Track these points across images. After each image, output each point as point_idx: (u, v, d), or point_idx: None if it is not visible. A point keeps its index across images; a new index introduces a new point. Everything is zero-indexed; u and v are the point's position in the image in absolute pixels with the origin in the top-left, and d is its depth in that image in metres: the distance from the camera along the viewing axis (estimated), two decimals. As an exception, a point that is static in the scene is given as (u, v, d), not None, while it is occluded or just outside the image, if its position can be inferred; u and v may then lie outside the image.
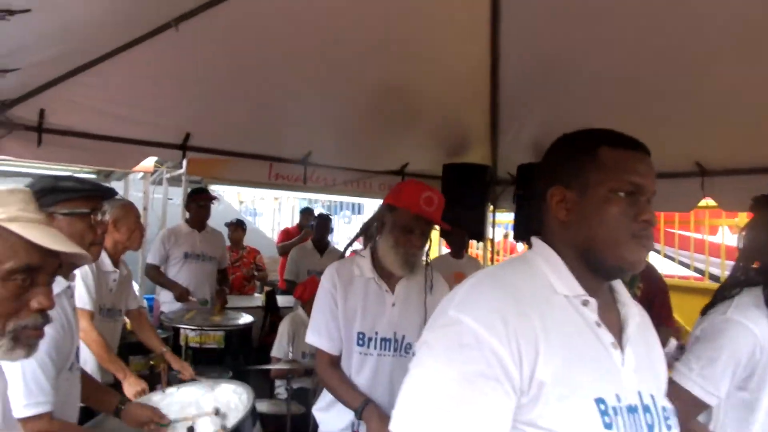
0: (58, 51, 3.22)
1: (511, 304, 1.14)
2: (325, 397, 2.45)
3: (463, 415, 1.04)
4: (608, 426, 1.11)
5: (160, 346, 3.35)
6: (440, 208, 2.27)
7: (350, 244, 2.68)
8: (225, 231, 5.41)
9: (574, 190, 1.23)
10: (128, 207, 3.22)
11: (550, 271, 1.23)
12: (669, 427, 1.21)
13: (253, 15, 3.31)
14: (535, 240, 1.30)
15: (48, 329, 1.73)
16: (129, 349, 3.43)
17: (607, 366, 1.18)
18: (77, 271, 2.82)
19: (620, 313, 1.29)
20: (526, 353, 1.09)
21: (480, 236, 5.63)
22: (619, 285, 1.33)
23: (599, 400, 1.12)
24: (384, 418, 2.12)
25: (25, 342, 1.13)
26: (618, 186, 1.20)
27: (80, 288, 2.86)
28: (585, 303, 1.20)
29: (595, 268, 1.23)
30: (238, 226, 6.87)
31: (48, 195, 1.86)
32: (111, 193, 2.08)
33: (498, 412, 1.07)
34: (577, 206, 1.23)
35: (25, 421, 1.69)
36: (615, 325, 1.25)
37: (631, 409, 1.16)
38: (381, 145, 5.11)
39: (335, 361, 2.36)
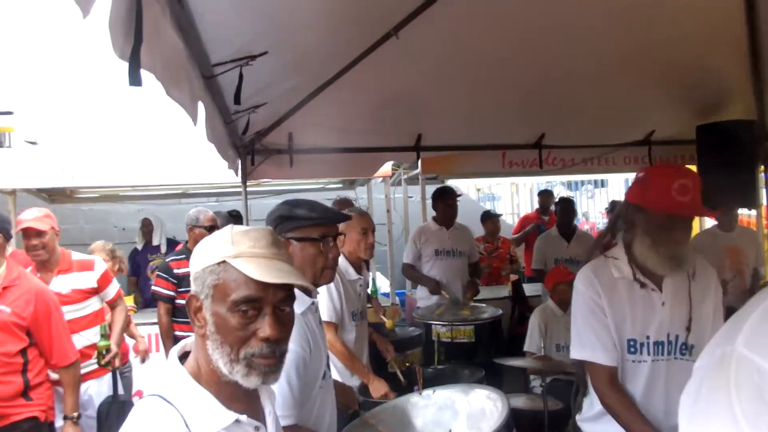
0: (296, 81, 3.52)
1: None
2: (594, 407, 2.24)
3: None
4: None
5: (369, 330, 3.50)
6: (698, 192, 1.94)
7: (597, 247, 2.39)
8: (469, 223, 5.44)
9: None
10: (354, 219, 3.28)
11: None
12: None
13: (469, 5, 3.24)
14: None
15: (294, 345, 1.90)
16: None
17: None
18: (323, 286, 3.04)
19: None
20: None
21: (752, 203, 4.91)
22: None
23: None
24: None
25: (258, 369, 1.22)
26: None
27: (326, 302, 3.06)
28: None
29: None
30: (494, 218, 6.93)
31: (284, 222, 2.01)
32: (341, 218, 2.16)
33: None
34: None
35: None
36: None
37: None
38: (622, 115, 4.71)
39: (615, 375, 2.12)
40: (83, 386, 3.53)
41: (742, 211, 5.66)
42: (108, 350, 3.62)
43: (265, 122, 4.13)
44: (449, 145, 4.86)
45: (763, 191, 4.85)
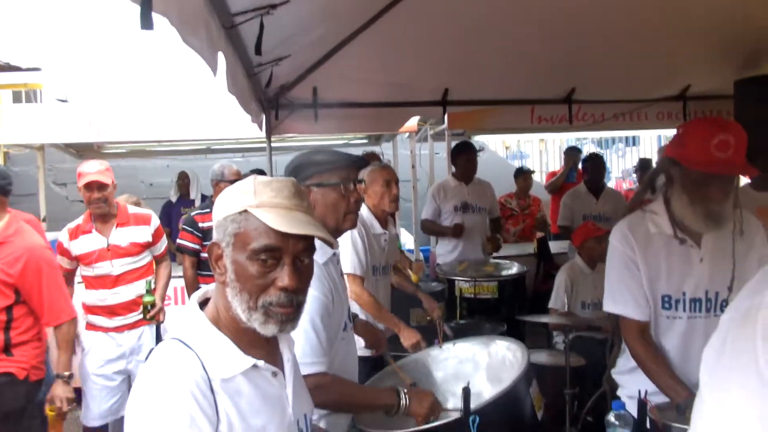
0: (320, 33, 3.45)
1: None
2: (629, 362, 2.23)
3: None
4: None
5: (413, 287, 3.50)
6: (741, 148, 1.85)
7: (636, 203, 2.34)
8: (498, 180, 5.39)
9: None
10: (377, 171, 3.27)
11: None
12: None
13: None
14: None
15: (318, 292, 1.91)
16: (409, 301, 3.61)
17: None
18: (347, 239, 3.03)
19: None
20: None
21: (792, 162, 4.75)
22: None
23: None
24: None
25: (275, 317, 1.24)
26: None
27: (351, 255, 3.05)
28: None
29: None
30: (526, 174, 6.87)
31: (303, 170, 2.00)
32: (361, 162, 2.14)
33: None
34: None
35: None
36: None
37: None
38: (654, 70, 4.55)
39: (646, 330, 2.12)
40: (135, 332, 3.67)
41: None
42: (153, 305, 3.68)
43: (289, 76, 4.08)
44: (476, 100, 4.78)
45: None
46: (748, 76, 4.47)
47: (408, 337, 2.93)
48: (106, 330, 3.63)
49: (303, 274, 1.27)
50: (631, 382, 2.20)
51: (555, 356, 3.52)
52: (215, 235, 1.29)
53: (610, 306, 2.18)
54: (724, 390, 0.88)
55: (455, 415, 1.94)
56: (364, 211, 3.29)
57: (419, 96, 4.68)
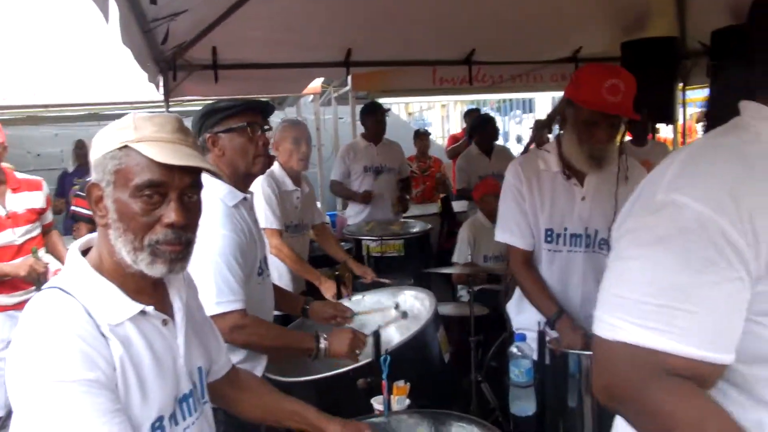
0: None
1: (740, 176, 0.92)
2: (517, 295, 2.44)
3: (691, 309, 0.89)
4: None
5: (344, 255, 3.51)
6: (630, 94, 1.99)
7: (532, 141, 2.55)
8: (400, 143, 5.45)
9: None
10: (286, 128, 3.25)
11: None
12: None
13: None
14: (747, 104, 1.04)
15: (229, 232, 1.90)
16: (314, 261, 3.62)
17: None
18: (260, 193, 3.01)
19: None
20: (764, 232, 0.88)
21: (669, 118, 5.10)
22: None
23: None
24: (578, 330, 2.05)
25: (163, 256, 1.19)
26: None
27: (265, 209, 3.04)
28: None
29: None
30: (423, 136, 6.96)
31: (209, 118, 1.97)
32: (265, 106, 2.12)
33: (734, 304, 0.89)
34: None
35: (218, 317, 1.83)
36: None
37: None
38: (549, 32, 4.72)
39: (529, 258, 2.30)
40: None
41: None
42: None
43: (187, 34, 3.92)
44: (379, 61, 4.79)
45: (680, 108, 5.04)
46: (634, 39, 4.75)
47: (328, 288, 3.02)
48: (5, 309, 3.31)
49: (191, 211, 1.23)
50: (520, 314, 2.40)
51: (460, 307, 3.65)
52: (94, 176, 1.21)
53: (499, 234, 2.36)
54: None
55: (367, 359, 1.98)
56: (275, 167, 3.27)
57: (322, 57, 4.63)
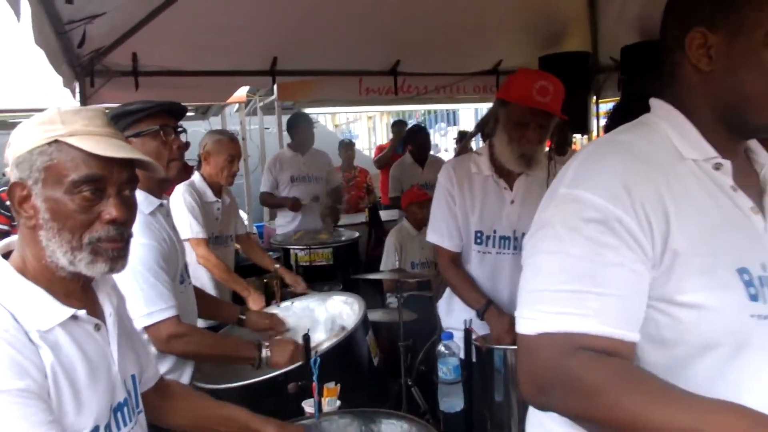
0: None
1: (632, 169, 1.00)
2: (444, 299, 2.49)
3: (600, 291, 0.95)
4: (754, 298, 0.98)
5: (272, 264, 3.47)
6: (559, 97, 2.10)
7: (465, 144, 2.62)
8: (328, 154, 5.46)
9: (721, 32, 1.02)
10: (222, 143, 3.21)
11: (674, 133, 1.07)
12: None
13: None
14: (654, 102, 1.12)
15: (150, 240, 1.85)
16: (243, 271, 3.57)
17: (748, 233, 1.03)
18: (182, 204, 2.95)
19: (759, 174, 1.11)
20: (655, 221, 0.97)
21: (584, 129, 5.34)
22: (755, 144, 1.14)
23: (742, 270, 0.98)
24: (504, 316, 2.11)
25: (105, 255, 1.15)
26: None
27: (189, 219, 2.98)
28: (717, 166, 1.04)
29: (736, 128, 1.05)
30: (348, 146, 6.98)
31: (119, 121, 1.90)
32: (179, 108, 2.08)
33: (637, 284, 0.97)
34: (723, 53, 1.02)
35: (152, 328, 1.79)
36: (754, 188, 1.09)
37: None
38: (471, 45, 4.87)
39: (456, 258, 2.35)
40: None
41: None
42: None
43: (105, 38, 3.79)
44: (306, 70, 4.79)
45: (594, 120, 5.28)
46: (551, 53, 4.95)
47: (256, 301, 2.94)
48: None
49: (129, 207, 1.19)
50: (448, 317, 2.45)
51: (389, 313, 3.67)
52: (16, 174, 1.14)
53: (430, 235, 2.40)
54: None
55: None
56: (196, 178, 3.23)
57: (248, 65, 4.59)
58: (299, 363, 1.94)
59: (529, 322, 0.99)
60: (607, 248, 0.96)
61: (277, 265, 3.44)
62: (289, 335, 2.43)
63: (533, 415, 1.19)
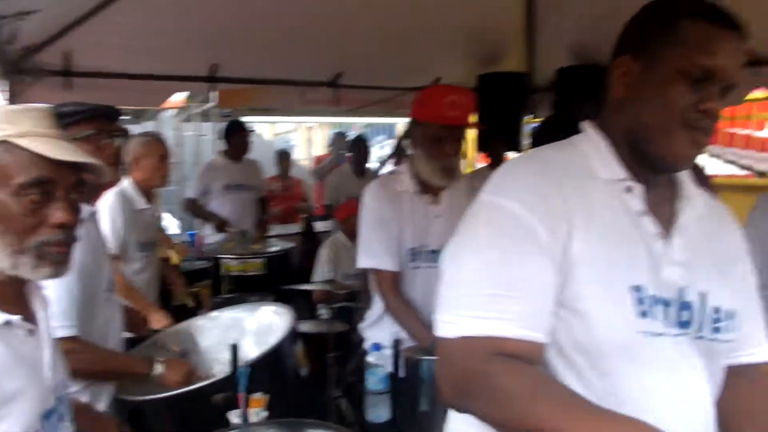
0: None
1: (546, 182, 1.08)
2: (374, 314, 2.48)
3: (516, 295, 1.00)
4: (643, 315, 1.05)
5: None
6: (468, 107, 2.20)
7: (385, 163, 2.67)
8: (263, 163, 5.42)
9: (642, 61, 1.09)
10: (151, 144, 3.18)
11: (593, 153, 1.14)
12: (717, 330, 1.12)
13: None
14: (584, 123, 1.20)
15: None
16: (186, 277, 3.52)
17: (647, 255, 1.10)
18: (106, 213, 2.87)
19: (678, 205, 1.18)
20: (560, 231, 1.04)
21: (519, 147, 5.50)
22: (684, 176, 1.20)
23: (635, 288, 1.05)
24: None
25: (50, 259, 1.13)
26: (687, 67, 1.04)
27: (108, 230, 2.86)
28: (628, 189, 1.12)
29: (641, 157, 1.12)
30: (285, 156, 6.96)
31: None
32: (113, 112, 2.05)
33: (548, 288, 1.03)
34: (638, 81, 1.09)
35: None
36: (667, 215, 1.15)
37: (664, 302, 1.08)
38: (412, 60, 4.94)
39: (396, 280, 2.33)
40: None
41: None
42: None
43: (37, 36, 3.68)
44: (246, 78, 4.75)
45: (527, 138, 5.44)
46: (490, 72, 5.09)
47: (157, 321, 2.80)
48: None
49: (77, 210, 1.18)
50: (376, 331, 2.44)
51: (319, 324, 3.67)
52: None
53: (363, 261, 2.38)
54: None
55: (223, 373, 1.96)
56: (126, 184, 3.15)
57: (187, 70, 4.52)
58: (226, 375, 1.93)
59: (447, 326, 1.03)
60: (522, 254, 1.02)
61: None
62: (218, 346, 2.40)
63: (452, 421, 1.23)
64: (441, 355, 1.06)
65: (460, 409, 1.05)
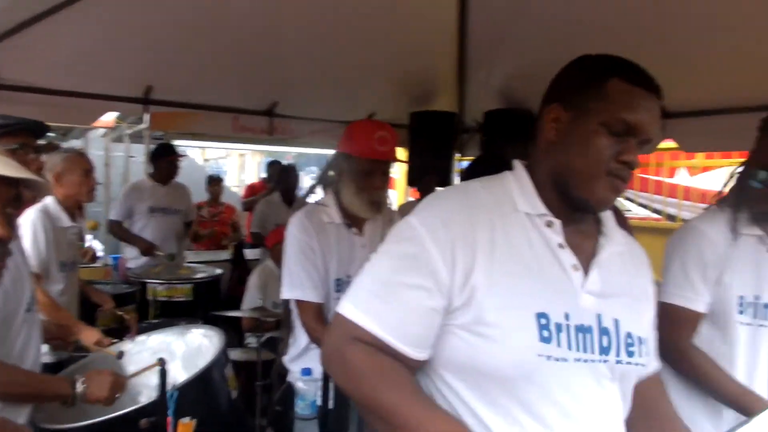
0: (7, 1, 3.10)
1: (460, 211, 1.21)
2: (298, 346, 2.48)
3: (387, 300, 1.16)
4: (546, 340, 1.15)
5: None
6: (394, 143, 2.32)
7: (309, 194, 2.71)
8: (193, 189, 5.35)
9: (571, 111, 1.22)
10: (74, 159, 3.13)
11: (516, 189, 1.26)
12: (631, 354, 1.23)
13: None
14: (515, 161, 1.32)
15: None
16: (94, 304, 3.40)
17: (562, 286, 1.20)
18: (28, 231, 2.79)
19: (599, 241, 1.30)
20: (461, 258, 1.16)
21: (447, 183, 5.66)
22: (606, 216, 1.33)
23: (540, 315, 1.15)
24: None
25: None
26: (611, 121, 1.17)
27: (30, 249, 2.80)
28: (549, 224, 1.22)
29: (564, 196, 1.23)
30: (216, 182, 6.86)
31: None
32: (40, 127, 2.02)
33: (421, 308, 1.16)
34: (567, 129, 1.22)
35: None
36: (588, 250, 1.27)
37: (583, 329, 1.19)
38: (347, 96, 5.05)
39: (321, 311, 2.33)
40: None
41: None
42: None
43: (-42, 46, 3.55)
44: (181, 102, 4.72)
45: (456, 175, 5.62)
46: (422, 110, 5.26)
47: (88, 337, 2.71)
48: None
49: (12, 225, 1.19)
50: (305, 362, 2.42)
51: (248, 353, 3.65)
52: None
53: (287, 292, 2.36)
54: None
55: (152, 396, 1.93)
56: (49, 201, 3.07)
57: (120, 90, 4.44)
58: (153, 400, 1.91)
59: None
60: (408, 269, 1.17)
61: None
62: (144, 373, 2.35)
63: None
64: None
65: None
